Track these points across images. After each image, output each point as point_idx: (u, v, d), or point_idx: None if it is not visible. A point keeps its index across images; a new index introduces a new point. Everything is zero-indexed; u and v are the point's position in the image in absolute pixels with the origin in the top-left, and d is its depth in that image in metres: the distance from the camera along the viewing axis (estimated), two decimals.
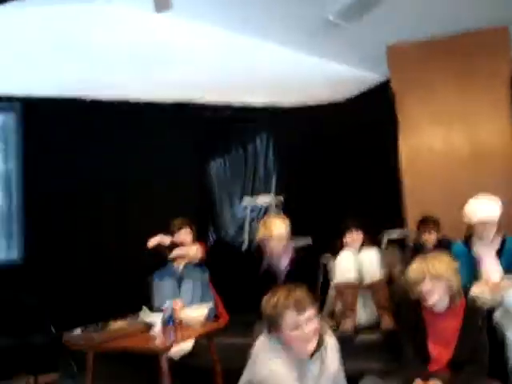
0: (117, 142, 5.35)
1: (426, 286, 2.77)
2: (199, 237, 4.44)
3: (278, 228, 3.64)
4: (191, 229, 4.06)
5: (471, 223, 3.37)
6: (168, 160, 5.64)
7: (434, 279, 2.76)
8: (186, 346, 3.50)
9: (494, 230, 3.32)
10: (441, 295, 2.80)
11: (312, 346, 2.12)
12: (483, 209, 3.31)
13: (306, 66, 5.45)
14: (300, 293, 2.14)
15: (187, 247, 3.96)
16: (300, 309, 2.09)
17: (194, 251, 3.92)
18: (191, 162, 6.01)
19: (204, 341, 3.37)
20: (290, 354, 2.11)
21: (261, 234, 3.71)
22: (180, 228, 4.01)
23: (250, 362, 2.17)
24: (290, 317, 2.08)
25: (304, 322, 2.09)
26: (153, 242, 3.91)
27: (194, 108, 5.80)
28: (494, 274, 3.26)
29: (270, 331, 2.18)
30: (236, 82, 5.51)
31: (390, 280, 3.73)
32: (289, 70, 5.44)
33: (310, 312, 2.12)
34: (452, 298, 2.83)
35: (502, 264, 3.31)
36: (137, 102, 5.37)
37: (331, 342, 2.28)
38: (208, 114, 5.88)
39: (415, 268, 2.84)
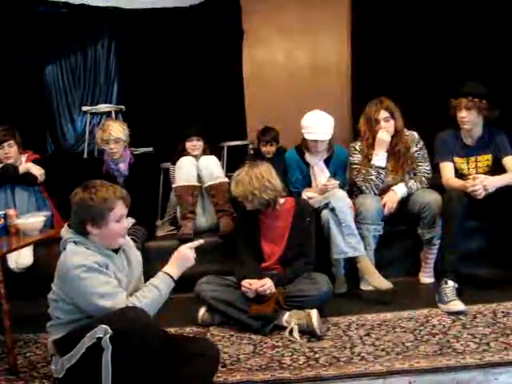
0: None
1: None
2: (36, 147, 4.19)
3: (116, 130, 3.59)
4: (14, 139, 3.76)
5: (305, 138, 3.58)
6: None
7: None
8: (26, 258, 3.41)
9: (325, 146, 3.55)
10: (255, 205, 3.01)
11: (124, 240, 2.24)
12: (317, 129, 3.46)
13: None
14: (124, 191, 2.22)
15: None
16: (127, 203, 2.18)
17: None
18: (24, 66, 5.47)
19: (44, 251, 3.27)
20: (102, 253, 2.16)
21: (99, 136, 3.64)
22: (1, 142, 3.71)
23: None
24: (119, 208, 2.14)
25: (124, 217, 2.19)
26: None
27: (26, 2, 5.24)
28: (323, 179, 3.54)
29: (85, 230, 2.15)
30: None
31: None
32: None
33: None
34: (273, 203, 3.02)
35: (330, 170, 3.58)
36: None
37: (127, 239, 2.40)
38: (42, 9, 5.35)
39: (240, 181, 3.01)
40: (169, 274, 2.16)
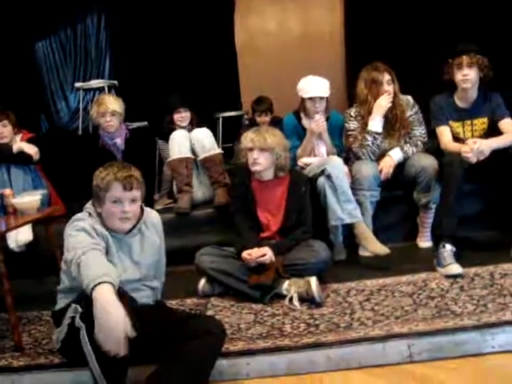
0: None
1: (253, 155, 2.97)
2: (29, 125, 4.16)
3: (112, 103, 3.58)
4: (8, 119, 3.74)
5: (303, 97, 3.56)
6: None
7: (262, 150, 2.97)
8: (24, 236, 3.42)
9: (323, 106, 3.53)
10: (266, 165, 3.02)
11: (128, 225, 2.18)
12: (314, 86, 3.49)
13: None
14: (132, 172, 2.15)
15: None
16: (127, 186, 2.11)
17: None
18: (13, 43, 5.39)
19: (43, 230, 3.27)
20: (105, 227, 2.15)
21: (94, 110, 3.62)
22: None
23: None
24: (115, 189, 2.10)
25: (126, 200, 2.13)
26: None
27: None
28: (320, 145, 3.53)
29: (93, 204, 2.19)
30: None
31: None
32: None
33: (136, 194, 2.15)
34: (277, 170, 3.06)
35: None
36: None
37: (153, 219, 2.36)
38: None
39: (248, 137, 3.02)
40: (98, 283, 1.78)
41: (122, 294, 1.86)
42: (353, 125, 3.52)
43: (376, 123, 3.37)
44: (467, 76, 3.23)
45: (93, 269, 1.83)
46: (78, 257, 1.90)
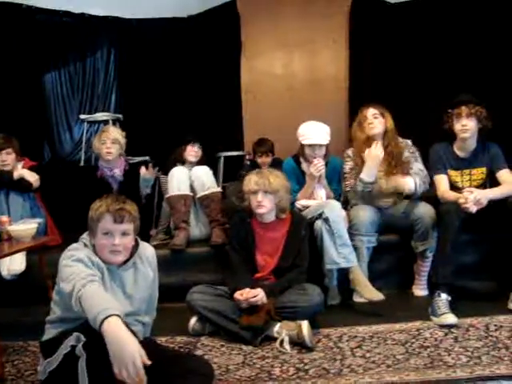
0: None
1: (258, 198, 2.97)
2: (33, 153, 4.20)
3: (114, 132, 3.67)
4: (12, 147, 3.79)
5: (302, 144, 3.58)
6: None
7: (266, 192, 2.97)
8: (17, 266, 3.38)
9: (322, 154, 3.55)
10: (270, 208, 3.02)
11: (120, 258, 2.15)
12: (314, 133, 3.50)
13: None
14: (125, 205, 2.15)
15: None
16: (117, 219, 2.11)
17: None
18: (23, 73, 5.48)
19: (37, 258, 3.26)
20: (103, 262, 2.14)
21: (97, 139, 3.70)
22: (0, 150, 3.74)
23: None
24: (106, 221, 2.11)
25: (117, 233, 2.12)
26: None
27: (26, 10, 5.27)
28: (319, 189, 3.54)
29: (89, 235, 2.20)
30: None
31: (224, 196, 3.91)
32: None
33: (127, 227, 2.14)
34: (279, 211, 3.07)
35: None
36: None
37: (148, 253, 2.34)
38: (42, 18, 5.38)
39: (252, 180, 3.02)
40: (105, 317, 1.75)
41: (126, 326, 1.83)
42: (349, 165, 3.54)
43: (368, 172, 3.33)
44: (466, 126, 3.27)
45: (96, 302, 1.81)
46: (77, 290, 1.87)
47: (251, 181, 3.03)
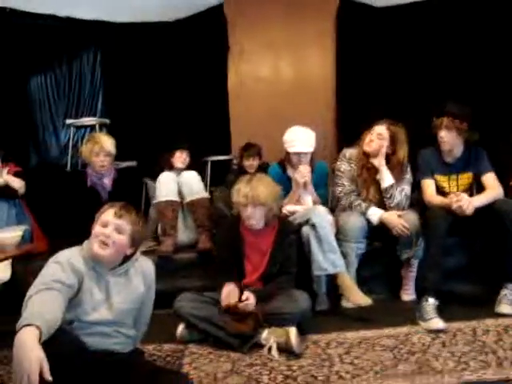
0: None
1: (247, 211, 2.95)
2: (19, 158, 4.15)
3: (108, 144, 3.64)
4: None
5: (288, 151, 3.58)
6: None
7: (256, 205, 2.94)
8: (2, 273, 3.33)
9: (308, 160, 3.54)
10: (260, 218, 3.00)
11: (105, 252, 2.13)
12: (299, 141, 3.50)
13: None
14: (130, 208, 2.23)
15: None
16: (117, 213, 2.17)
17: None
18: (8, 76, 5.42)
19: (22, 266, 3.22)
20: (92, 263, 2.15)
21: (88, 148, 3.65)
22: None
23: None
24: (107, 214, 2.18)
25: (112, 226, 2.15)
26: None
27: (11, 13, 5.22)
28: (305, 194, 3.53)
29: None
30: None
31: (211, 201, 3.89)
32: None
33: (123, 225, 2.16)
34: (268, 219, 3.04)
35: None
36: None
37: (145, 267, 2.33)
38: (28, 21, 5.33)
39: (241, 192, 2.97)
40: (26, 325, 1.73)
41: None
42: (344, 166, 3.49)
43: (385, 177, 3.35)
44: (443, 138, 3.29)
45: (32, 309, 1.81)
46: (30, 294, 1.89)
47: (240, 193, 2.97)
